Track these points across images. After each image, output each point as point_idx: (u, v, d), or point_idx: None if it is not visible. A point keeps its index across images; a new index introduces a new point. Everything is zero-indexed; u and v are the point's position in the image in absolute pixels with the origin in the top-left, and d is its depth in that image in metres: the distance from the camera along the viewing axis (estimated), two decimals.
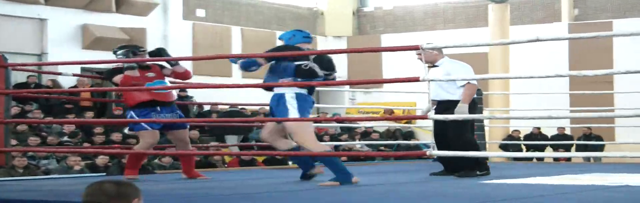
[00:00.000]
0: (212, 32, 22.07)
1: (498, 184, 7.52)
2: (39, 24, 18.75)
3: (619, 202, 5.92)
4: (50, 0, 18.58)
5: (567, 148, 18.13)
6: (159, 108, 8.01)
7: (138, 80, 7.97)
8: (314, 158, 7.81)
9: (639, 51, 20.54)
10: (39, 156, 13.29)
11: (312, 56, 7.52)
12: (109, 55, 18.96)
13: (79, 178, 9.23)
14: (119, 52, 8.20)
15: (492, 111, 16.00)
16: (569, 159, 17.26)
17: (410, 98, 21.02)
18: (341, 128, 19.00)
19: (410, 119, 11.34)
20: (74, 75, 10.86)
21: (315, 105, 20.88)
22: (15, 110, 15.43)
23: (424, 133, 20.83)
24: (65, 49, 18.71)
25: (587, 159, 17.35)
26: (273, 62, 7.48)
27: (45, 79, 17.97)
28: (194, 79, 10.04)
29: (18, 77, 17.57)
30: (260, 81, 7.77)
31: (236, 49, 22.29)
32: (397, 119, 18.54)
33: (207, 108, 19.18)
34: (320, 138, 18.16)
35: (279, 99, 7.36)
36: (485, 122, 13.58)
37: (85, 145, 14.55)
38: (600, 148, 17.47)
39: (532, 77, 6.47)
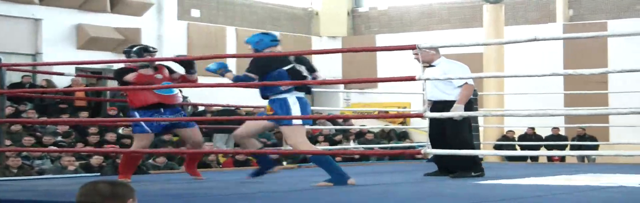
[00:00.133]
0: (207, 33, 22.06)
1: (493, 184, 7.53)
2: (34, 24, 18.72)
3: None
4: (44, 0, 18.56)
5: (562, 149, 18.13)
6: (162, 110, 7.98)
7: (151, 79, 7.95)
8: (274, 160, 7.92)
9: (633, 51, 20.56)
10: (33, 157, 13.27)
11: (293, 58, 7.52)
12: (103, 55, 19.11)
13: (73, 179, 9.22)
14: (133, 50, 8.13)
15: (486, 111, 16.00)
16: (563, 159, 17.28)
17: (405, 99, 21.03)
18: (336, 128, 18.99)
19: (404, 117, 11.34)
20: (76, 75, 10.84)
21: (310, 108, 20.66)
22: (9, 110, 15.42)
23: (419, 133, 20.83)
24: (59, 49, 18.68)
25: (582, 159, 17.37)
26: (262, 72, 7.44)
27: (40, 79, 17.94)
28: None
29: (12, 77, 17.56)
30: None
31: (231, 49, 22.28)
32: (392, 117, 18.52)
33: (201, 108, 19.17)
34: (314, 138, 18.18)
35: (282, 104, 7.35)
36: (480, 122, 13.58)
37: (79, 145, 14.54)
38: (595, 148, 17.48)
39: (528, 75, 6.47)
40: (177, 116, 8.05)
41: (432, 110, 8.48)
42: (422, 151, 6.44)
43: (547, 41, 6.52)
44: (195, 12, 22.20)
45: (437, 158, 8.99)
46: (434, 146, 8.70)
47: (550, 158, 17.77)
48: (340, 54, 24.10)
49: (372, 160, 16.22)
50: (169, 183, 8.11)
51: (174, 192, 6.96)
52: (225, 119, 14.25)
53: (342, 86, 23.54)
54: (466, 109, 8.25)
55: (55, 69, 15.51)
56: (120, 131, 16.07)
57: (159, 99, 7.89)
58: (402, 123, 22.52)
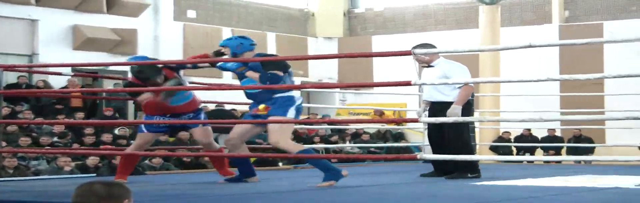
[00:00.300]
0: (203, 33, 22.05)
1: (489, 186, 7.53)
2: (30, 24, 18.71)
3: None
4: (41, 1, 18.54)
5: (558, 150, 18.16)
6: (168, 114, 7.93)
7: (161, 104, 7.89)
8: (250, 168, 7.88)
9: (629, 53, 20.58)
10: (29, 157, 13.27)
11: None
12: (99, 55, 19.10)
13: (69, 179, 9.22)
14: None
15: (482, 112, 16.02)
16: (559, 160, 17.29)
17: (401, 99, 21.03)
18: (332, 129, 19.01)
19: (400, 122, 11.35)
20: (73, 75, 10.82)
21: (306, 105, 20.83)
22: (5, 111, 15.42)
23: (415, 134, 20.84)
24: (56, 49, 18.67)
25: (577, 160, 17.38)
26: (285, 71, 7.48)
27: (36, 80, 17.92)
28: None
29: (9, 77, 17.55)
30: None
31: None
32: (388, 122, 18.53)
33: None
34: (310, 139, 18.18)
35: (287, 101, 7.36)
36: (476, 123, 13.59)
37: (75, 145, 14.53)
38: (591, 150, 17.51)
39: (523, 81, 6.47)
40: (183, 118, 7.98)
41: (430, 111, 8.50)
42: (418, 157, 6.42)
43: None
44: (192, 13, 22.19)
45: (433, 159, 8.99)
46: (434, 147, 8.70)
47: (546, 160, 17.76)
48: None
49: (368, 161, 16.22)
50: (165, 184, 8.10)
51: (171, 193, 6.96)
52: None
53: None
54: (464, 111, 8.24)
55: (52, 70, 15.50)
56: (116, 131, 16.06)
57: (164, 111, 7.85)
58: (398, 124, 22.53)
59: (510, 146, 18.20)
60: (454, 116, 8.03)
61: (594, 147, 17.51)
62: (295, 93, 7.48)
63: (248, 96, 7.56)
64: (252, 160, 14.83)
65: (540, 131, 18.79)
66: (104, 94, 15.91)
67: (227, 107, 18.68)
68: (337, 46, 25.23)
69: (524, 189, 7.21)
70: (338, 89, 21.94)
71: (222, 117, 16.87)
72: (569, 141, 18.09)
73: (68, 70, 16.68)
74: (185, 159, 14.07)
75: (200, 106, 8.16)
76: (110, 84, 19.57)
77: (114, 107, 18.33)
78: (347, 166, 11.46)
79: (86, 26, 19.32)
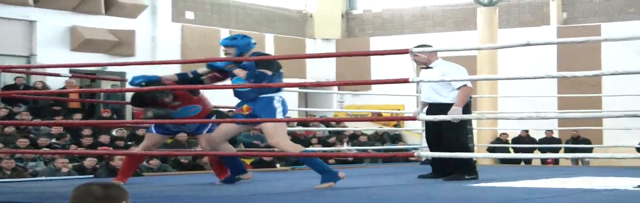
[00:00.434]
0: (201, 35, 22.05)
1: (486, 187, 7.53)
2: (28, 25, 18.70)
3: None
4: (39, 2, 18.53)
5: (555, 152, 18.15)
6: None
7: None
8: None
9: (627, 54, 20.60)
10: (26, 158, 13.26)
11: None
12: (97, 57, 19.10)
13: (67, 180, 9.21)
14: None
15: (480, 113, 16.01)
16: (557, 162, 17.30)
17: (399, 101, 21.04)
18: (329, 131, 19.01)
19: (398, 120, 11.37)
20: (71, 76, 10.80)
21: (303, 109, 20.85)
22: (3, 112, 15.41)
23: (413, 136, 20.85)
24: (54, 50, 18.66)
25: (575, 162, 17.39)
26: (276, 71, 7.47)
27: (33, 81, 17.91)
28: None
29: (6, 79, 17.54)
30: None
31: None
32: (386, 120, 18.54)
33: None
34: (308, 140, 18.18)
35: (268, 102, 7.36)
36: (474, 125, 13.59)
37: (73, 146, 14.52)
38: (589, 151, 17.50)
39: (522, 78, 6.48)
40: (191, 128, 7.91)
41: (428, 112, 8.48)
42: (415, 154, 6.42)
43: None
44: (190, 14, 22.19)
45: (432, 161, 8.99)
46: (431, 149, 8.69)
47: (543, 161, 17.79)
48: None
49: (366, 162, 16.22)
50: (163, 185, 8.10)
51: (168, 194, 6.96)
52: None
53: (335, 87, 23.54)
54: (464, 112, 8.24)
55: (50, 71, 15.49)
56: (114, 133, 16.05)
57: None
58: (396, 126, 22.54)
59: (508, 148, 18.19)
60: (454, 117, 8.02)
61: (591, 148, 17.50)
62: (277, 95, 7.43)
63: (235, 94, 7.56)
64: (249, 161, 14.89)
65: (538, 133, 18.79)
66: (102, 95, 15.90)
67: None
68: (335, 47, 25.24)
69: (521, 191, 7.21)
70: (336, 91, 21.97)
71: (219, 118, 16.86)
72: (566, 143, 18.08)
73: (66, 71, 16.68)
74: (183, 160, 14.06)
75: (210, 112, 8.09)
76: (108, 86, 19.56)
77: (111, 108, 18.32)
78: (344, 168, 11.47)
79: (84, 27, 19.31)
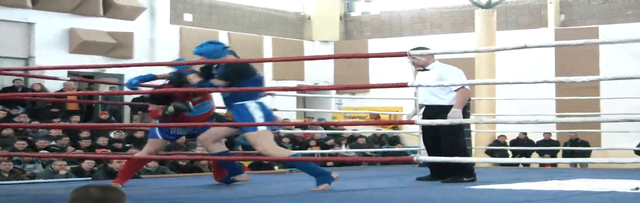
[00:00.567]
0: (199, 37, 22.00)
1: (484, 189, 7.54)
2: (26, 27, 18.69)
3: None
4: (37, 4, 18.53)
5: (553, 154, 18.16)
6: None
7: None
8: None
9: (625, 56, 20.62)
10: (24, 161, 13.25)
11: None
12: (96, 59, 19.10)
13: (65, 183, 9.21)
14: None
15: (478, 116, 16.02)
16: (555, 164, 17.30)
17: (397, 103, 21.04)
18: (328, 133, 19.00)
19: (396, 124, 11.34)
20: (70, 79, 10.79)
21: (301, 110, 20.77)
22: (1, 114, 15.40)
23: (411, 138, 20.84)
24: (52, 52, 18.65)
25: (574, 164, 17.39)
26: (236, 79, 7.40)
27: (31, 83, 17.90)
28: None
29: (5, 81, 17.54)
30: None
31: None
32: (385, 124, 18.51)
33: None
34: (306, 143, 18.17)
35: (243, 110, 7.33)
36: (472, 127, 13.60)
37: (70, 149, 14.51)
38: (587, 153, 17.51)
39: (519, 82, 6.47)
40: (196, 129, 7.89)
41: (425, 115, 8.47)
42: (415, 159, 6.40)
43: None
44: (188, 17, 22.19)
45: (430, 163, 8.99)
46: (429, 152, 8.69)
47: (542, 163, 17.78)
48: (332, 59, 24.09)
49: (364, 165, 16.22)
50: (161, 187, 8.10)
51: (166, 197, 6.96)
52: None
53: (333, 90, 23.56)
54: (462, 114, 8.24)
55: (48, 73, 15.50)
56: (112, 135, 16.05)
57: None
58: (394, 128, 22.53)
59: (506, 150, 18.19)
60: (454, 119, 8.02)
61: (590, 151, 17.50)
62: (252, 102, 7.35)
63: (222, 99, 7.56)
64: (247, 163, 14.88)
65: (536, 135, 18.79)
66: (100, 97, 15.88)
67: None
68: (333, 49, 25.25)
69: (519, 193, 7.21)
70: (334, 93, 21.99)
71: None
72: (565, 145, 18.08)
73: (64, 73, 16.69)
74: (181, 163, 14.05)
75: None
76: (106, 88, 19.56)
77: (109, 110, 18.31)
78: (342, 170, 11.47)
79: (82, 29, 19.31)
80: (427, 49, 8.02)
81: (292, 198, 6.73)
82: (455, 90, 8.30)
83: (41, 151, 13.39)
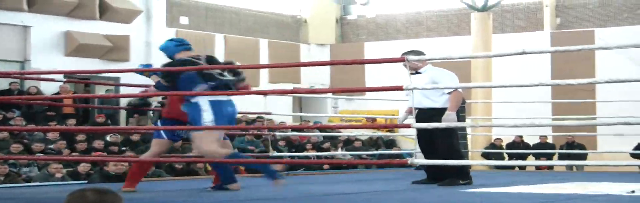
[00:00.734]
0: (195, 40, 22.00)
1: (480, 193, 7.54)
2: (23, 30, 18.67)
3: None
4: (33, 7, 18.51)
5: (549, 157, 18.16)
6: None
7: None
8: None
9: (620, 59, 20.63)
10: (20, 164, 13.24)
11: (204, 60, 7.47)
12: (92, 62, 19.09)
13: (60, 186, 9.21)
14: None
15: (474, 119, 16.03)
16: (551, 167, 17.30)
17: (393, 106, 21.05)
18: (324, 136, 19.02)
19: (393, 127, 11.37)
20: (66, 81, 10.76)
21: (298, 113, 20.73)
22: None
23: (407, 141, 20.84)
24: (48, 56, 18.64)
25: (570, 167, 17.40)
26: (172, 78, 7.43)
27: (28, 86, 17.88)
28: None
29: (1, 84, 17.52)
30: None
31: (219, 56, 22.23)
32: (381, 127, 18.53)
33: None
34: (303, 146, 18.18)
35: (194, 108, 7.31)
36: (468, 130, 13.60)
37: (66, 151, 14.50)
38: (583, 156, 17.51)
39: (515, 86, 6.48)
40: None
41: (419, 118, 8.48)
42: (409, 162, 6.39)
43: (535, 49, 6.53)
44: (184, 20, 22.19)
45: (426, 166, 8.99)
46: (426, 153, 8.69)
47: (538, 166, 17.80)
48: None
49: (360, 168, 16.23)
50: (157, 191, 8.09)
51: (162, 200, 6.95)
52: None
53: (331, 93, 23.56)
54: (457, 118, 8.25)
55: (44, 76, 15.47)
56: (108, 138, 16.04)
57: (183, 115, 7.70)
58: (390, 131, 22.54)
59: (502, 153, 18.20)
60: (449, 122, 8.04)
61: (586, 154, 17.51)
62: (202, 99, 7.29)
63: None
64: (243, 167, 14.87)
65: (532, 138, 18.80)
66: (96, 100, 15.87)
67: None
68: (329, 52, 25.25)
69: (515, 196, 7.22)
70: (330, 96, 22.00)
71: None
72: (561, 148, 18.09)
73: (60, 76, 16.67)
74: (177, 166, 14.05)
75: None
76: (102, 91, 19.55)
77: (105, 113, 18.30)
78: (339, 173, 11.47)
79: (78, 32, 19.30)
80: (422, 52, 8.05)
81: (289, 201, 6.73)
82: (448, 93, 8.33)
83: (37, 154, 13.38)
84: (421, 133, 8.73)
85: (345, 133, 18.32)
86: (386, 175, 11.57)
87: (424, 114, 8.40)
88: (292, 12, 25.44)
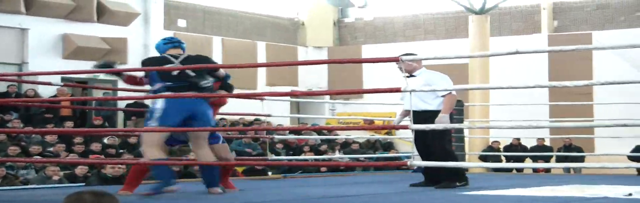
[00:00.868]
0: (193, 42, 22.02)
1: (477, 195, 7.54)
2: (20, 33, 18.67)
3: None
4: (31, 10, 18.52)
5: (547, 160, 18.16)
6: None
7: None
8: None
9: (618, 62, 20.66)
10: (17, 166, 13.23)
11: (181, 59, 7.46)
12: (89, 64, 18.99)
13: (58, 189, 9.19)
14: None
15: (472, 122, 16.03)
16: (548, 170, 17.31)
17: (391, 109, 21.05)
18: (321, 139, 19.01)
19: (390, 128, 11.37)
20: (63, 85, 10.75)
21: (295, 115, 20.64)
22: None
23: (405, 144, 20.85)
24: (46, 58, 18.63)
25: (567, 170, 17.40)
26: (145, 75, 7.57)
27: (25, 89, 17.87)
28: None
29: None
30: (245, 91, 7.71)
31: (217, 59, 22.24)
32: (377, 129, 18.54)
33: None
34: (300, 148, 18.17)
35: (151, 112, 7.31)
36: (465, 133, 13.61)
37: (64, 154, 14.48)
38: (580, 159, 17.51)
39: (512, 87, 6.48)
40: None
41: (413, 120, 8.48)
42: (408, 163, 6.40)
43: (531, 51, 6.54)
44: (182, 22, 22.20)
45: (424, 169, 9.00)
46: (421, 157, 8.70)
47: (535, 169, 17.81)
48: (326, 64, 24.10)
49: (357, 171, 16.22)
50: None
51: None
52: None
53: (327, 96, 23.56)
54: (454, 120, 8.27)
55: (41, 78, 15.47)
56: (105, 140, 16.02)
57: None
58: (388, 134, 22.54)
59: (499, 156, 18.20)
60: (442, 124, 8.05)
61: (583, 157, 17.51)
62: (157, 103, 7.31)
63: None
64: (241, 169, 14.87)
65: (529, 141, 18.80)
66: (94, 103, 15.85)
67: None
68: (327, 55, 25.26)
69: (512, 199, 7.21)
70: (327, 99, 22.01)
71: None
72: (558, 151, 18.09)
73: (58, 79, 16.66)
74: (174, 168, 14.02)
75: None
76: (99, 94, 19.53)
77: (103, 116, 18.29)
78: (336, 176, 11.47)
79: (76, 34, 19.30)
80: (416, 55, 8.06)
81: None
82: (443, 96, 8.36)
83: (34, 157, 13.37)
84: (417, 135, 8.74)
85: (342, 136, 18.31)
86: (384, 177, 11.56)
87: (420, 116, 8.40)
88: (290, 14, 25.46)
